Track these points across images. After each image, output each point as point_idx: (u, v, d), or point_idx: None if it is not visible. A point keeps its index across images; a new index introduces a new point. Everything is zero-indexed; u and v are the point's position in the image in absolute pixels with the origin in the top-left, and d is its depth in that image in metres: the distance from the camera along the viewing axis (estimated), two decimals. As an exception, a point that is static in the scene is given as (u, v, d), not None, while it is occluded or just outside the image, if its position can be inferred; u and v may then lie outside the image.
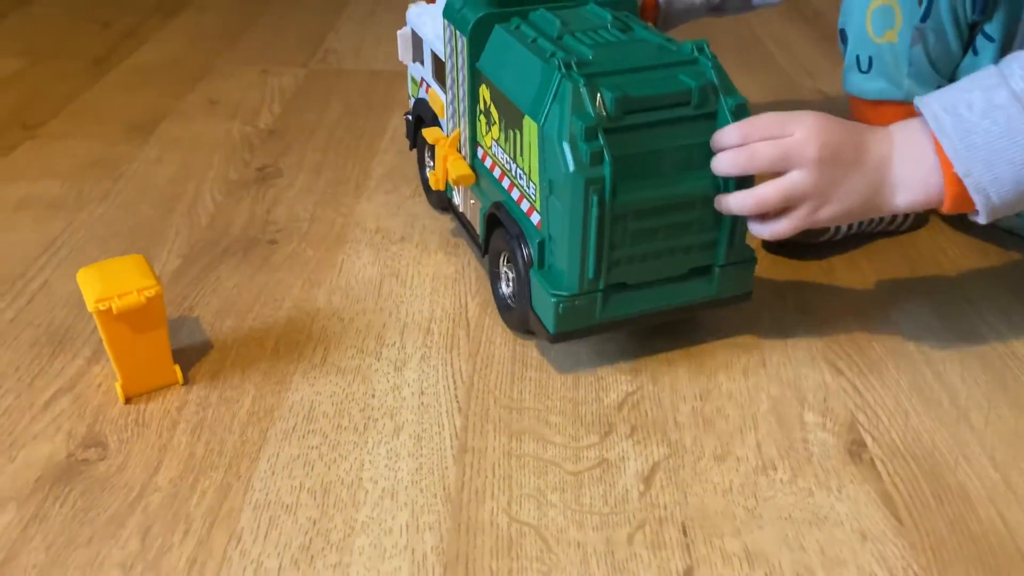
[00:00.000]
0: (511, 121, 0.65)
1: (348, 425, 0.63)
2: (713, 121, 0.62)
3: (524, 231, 0.66)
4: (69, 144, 1.05)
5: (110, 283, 0.62)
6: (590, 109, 0.59)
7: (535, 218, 0.65)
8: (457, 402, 0.65)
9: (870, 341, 0.72)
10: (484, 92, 0.70)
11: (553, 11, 0.69)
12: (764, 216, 0.62)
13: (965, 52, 0.80)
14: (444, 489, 0.58)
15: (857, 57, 0.82)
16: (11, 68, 1.28)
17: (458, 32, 0.70)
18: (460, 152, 0.77)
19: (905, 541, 0.54)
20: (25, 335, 0.72)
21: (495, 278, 0.73)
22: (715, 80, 0.62)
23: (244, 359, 0.69)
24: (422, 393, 0.66)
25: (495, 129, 0.69)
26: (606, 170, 0.59)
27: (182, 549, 0.53)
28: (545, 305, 0.64)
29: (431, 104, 0.82)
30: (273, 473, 0.59)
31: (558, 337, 0.64)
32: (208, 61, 1.31)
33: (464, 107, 0.73)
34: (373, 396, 0.66)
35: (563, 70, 0.60)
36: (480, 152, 0.74)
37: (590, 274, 0.62)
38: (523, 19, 0.69)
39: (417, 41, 0.84)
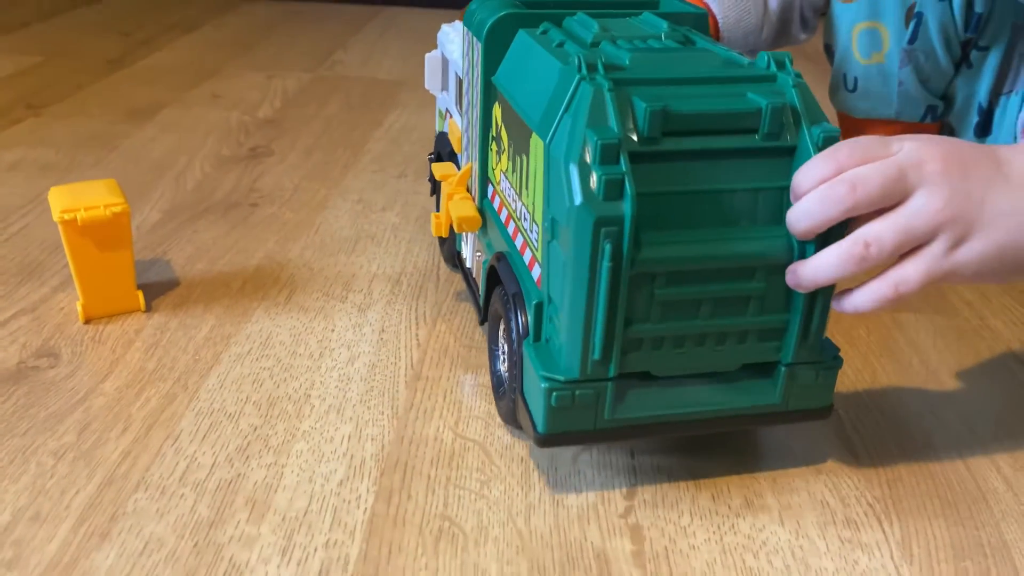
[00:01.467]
0: (519, 145, 0.51)
1: (304, 352, 0.62)
2: (790, 159, 0.45)
3: (523, 289, 0.51)
4: (70, 122, 1.07)
5: (79, 198, 0.62)
6: (613, 123, 0.43)
7: (536, 272, 0.50)
8: (417, 339, 0.64)
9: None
10: (497, 112, 0.56)
11: (596, 16, 0.54)
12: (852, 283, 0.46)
13: (958, 68, 0.78)
14: (392, 408, 0.57)
15: (844, 76, 0.82)
16: (26, 63, 1.32)
17: (475, 39, 0.57)
18: (469, 191, 0.64)
19: (860, 476, 0.52)
20: (-4, 266, 0.73)
21: (493, 352, 0.57)
22: (797, 103, 0.45)
23: (209, 295, 0.69)
24: (383, 331, 0.65)
25: (504, 158, 0.55)
26: (626, 207, 0.42)
27: (117, 444, 0.52)
28: (535, 392, 0.47)
29: (450, 136, 0.70)
30: (221, 387, 0.58)
31: (548, 440, 0.47)
32: (216, 66, 1.35)
33: (476, 133, 0.60)
34: (333, 331, 0.65)
35: (584, 72, 0.44)
36: (490, 191, 0.59)
37: (595, 354, 0.45)
38: (555, 24, 0.55)
39: (445, 65, 0.71)
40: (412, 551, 0.45)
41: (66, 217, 0.61)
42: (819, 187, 0.43)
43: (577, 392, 0.46)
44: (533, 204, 0.49)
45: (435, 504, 0.49)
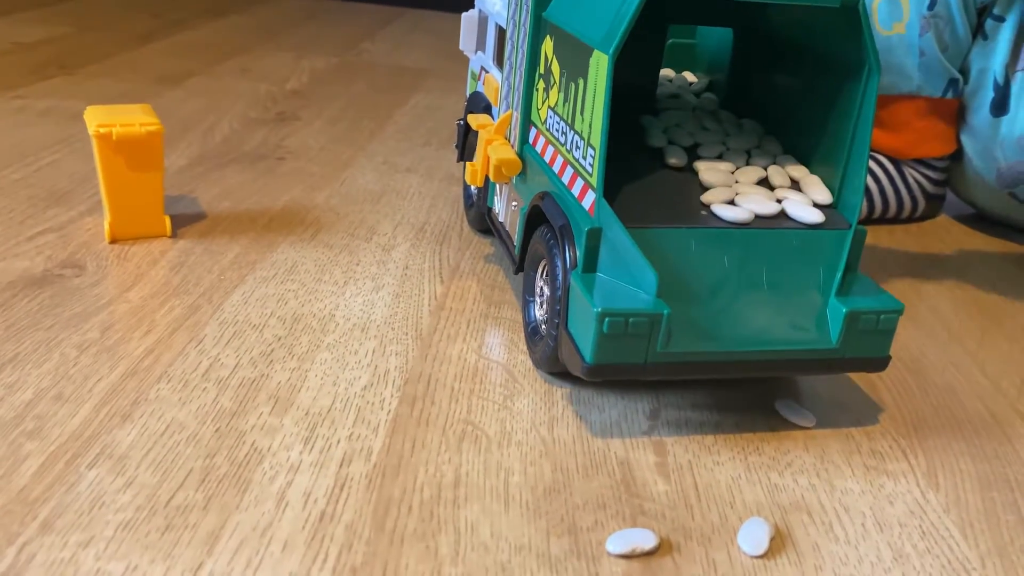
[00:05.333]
0: (574, 70, 0.51)
1: (328, 280, 0.62)
2: None
3: (572, 221, 0.50)
4: (101, 82, 1.08)
5: (115, 116, 0.63)
6: None
7: (589, 200, 0.49)
8: (440, 277, 0.64)
9: (865, 279, 0.71)
10: (547, 46, 0.55)
11: None
12: None
13: (973, 38, 0.79)
14: (416, 330, 0.56)
15: None
16: (59, 32, 1.34)
17: None
18: (507, 139, 0.63)
19: (884, 415, 0.52)
20: (25, 192, 0.73)
21: (529, 297, 0.56)
22: None
23: (235, 228, 0.69)
24: (407, 268, 0.65)
25: (554, 92, 0.54)
26: None
27: (141, 342, 0.52)
28: (584, 321, 0.46)
29: (486, 92, 0.69)
30: (246, 303, 0.58)
31: (596, 370, 0.45)
32: (246, 46, 1.37)
33: (521, 75, 0.59)
34: (358, 264, 0.65)
35: None
36: (532, 134, 0.59)
37: None
38: None
39: (483, 22, 0.71)
40: (435, 447, 0.45)
41: (101, 131, 0.61)
42: None
43: (630, 320, 0.44)
44: (589, 127, 0.49)
45: (458, 411, 0.48)
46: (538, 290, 0.55)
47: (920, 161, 0.84)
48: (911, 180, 0.84)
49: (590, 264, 0.48)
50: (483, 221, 0.71)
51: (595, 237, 0.47)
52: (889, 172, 0.84)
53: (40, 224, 0.67)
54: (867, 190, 0.83)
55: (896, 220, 0.86)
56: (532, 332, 0.55)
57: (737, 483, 0.45)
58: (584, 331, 0.46)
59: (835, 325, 0.47)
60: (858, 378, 0.56)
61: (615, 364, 0.45)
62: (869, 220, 0.84)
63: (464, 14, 0.74)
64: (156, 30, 1.42)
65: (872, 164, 0.84)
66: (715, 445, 0.48)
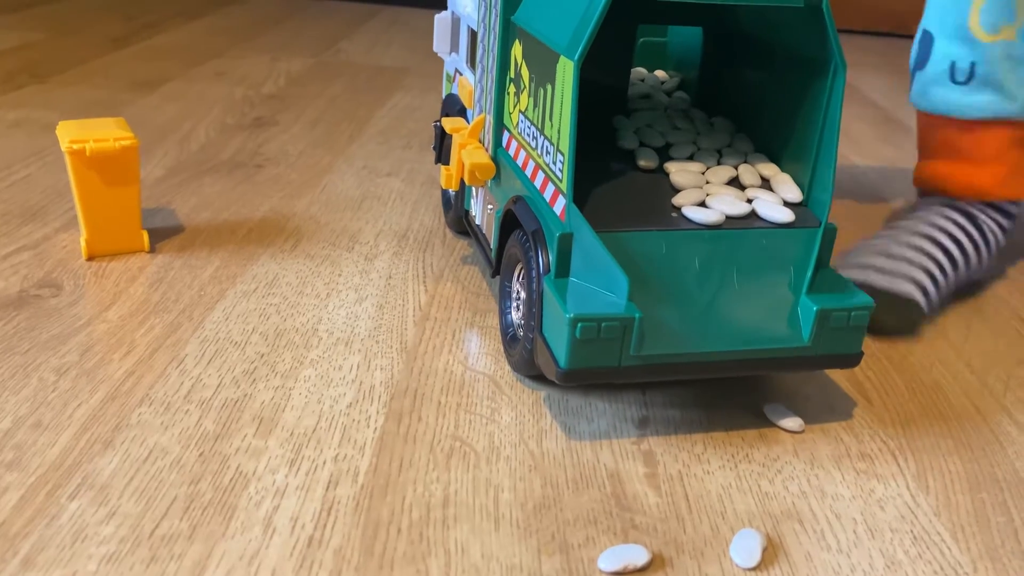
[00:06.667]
0: (542, 76, 0.50)
1: (310, 292, 0.62)
2: None
3: (544, 226, 0.49)
4: (74, 89, 1.07)
5: (89, 131, 0.62)
6: None
7: (560, 205, 0.49)
8: (424, 285, 0.64)
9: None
10: (516, 51, 0.55)
11: None
12: None
13: None
14: (401, 343, 0.56)
15: (952, 64, 0.65)
16: (30, 38, 1.31)
17: None
18: (481, 142, 0.62)
19: (873, 416, 0.52)
20: (-2, 209, 0.72)
21: (506, 301, 0.56)
22: None
23: (214, 240, 0.68)
24: (390, 277, 0.65)
25: (524, 97, 0.54)
26: None
27: (121, 364, 0.51)
28: (558, 327, 0.46)
29: (460, 95, 0.68)
30: (227, 319, 0.57)
31: (570, 375, 0.45)
32: (221, 49, 1.35)
33: (492, 79, 0.59)
34: (340, 275, 0.64)
35: None
36: (505, 138, 0.58)
37: None
38: None
39: (455, 24, 0.70)
40: (423, 466, 0.45)
41: (75, 147, 0.60)
42: None
43: (603, 324, 0.44)
44: (558, 132, 0.48)
45: (446, 426, 0.48)
46: (514, 294, 0.55)
47: (994, 205, 0.69)
48: (987, 232, 0.68)
49: (562, 269, 0.48)
50: (462, 223, 0.70)
51: (566, 242, 0.47)
52: (967, 231, 0.67)
53: (14, 242, 0.66)
54: (942, 265, 0.64)
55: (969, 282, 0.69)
56: (509, 335, 0.55)
57: (728, 492, 0.44)
58: (558, 336, 0.46)
59: (807, 323, 0.47)
60: (845, 377, 0.56)
61: (589, 368, 0.45)
62: (950, 296, 0.67)
63: (437, 16, 0.73)
64: (129, 34, 1.40)
65: (951, 227, 0.66)
66: (705, 454, 0.47)
